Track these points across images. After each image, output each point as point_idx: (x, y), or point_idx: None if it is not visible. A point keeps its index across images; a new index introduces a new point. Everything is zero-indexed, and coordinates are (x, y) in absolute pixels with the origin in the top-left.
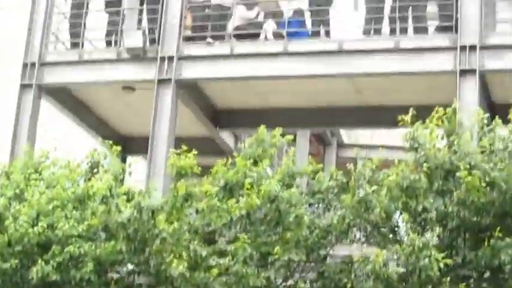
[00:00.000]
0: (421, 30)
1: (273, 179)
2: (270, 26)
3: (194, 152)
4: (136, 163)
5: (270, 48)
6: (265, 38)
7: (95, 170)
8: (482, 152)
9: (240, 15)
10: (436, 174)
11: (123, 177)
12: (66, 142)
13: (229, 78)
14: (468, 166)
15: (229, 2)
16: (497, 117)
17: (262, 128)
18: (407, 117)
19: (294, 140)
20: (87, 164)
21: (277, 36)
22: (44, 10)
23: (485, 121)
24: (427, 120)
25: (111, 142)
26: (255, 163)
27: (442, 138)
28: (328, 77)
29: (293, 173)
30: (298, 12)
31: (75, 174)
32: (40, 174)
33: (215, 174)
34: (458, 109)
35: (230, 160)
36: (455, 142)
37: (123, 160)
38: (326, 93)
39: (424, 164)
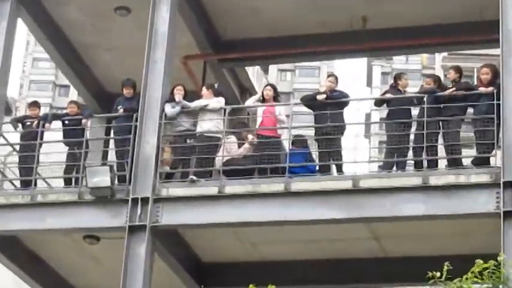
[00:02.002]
0: (454, 163)
1: None
2: None
3: None
4: None
5: (268, 188)
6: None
7: None
8: None
9: (231, 146)
10: None
11: None
12: None
13: (218, 224)
14: None
15: (217, 129)
16: None
17: None
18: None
19: None
20: None
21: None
22: None
23: None
24: (464, 276)
25: None
26: None
27: None
28: (340, 222)
29: None
30: (300, 142)
31: None
32: None
33: None
34: (504, 261)
35: None
36: None
37: None
38: (337, 243)
39: None
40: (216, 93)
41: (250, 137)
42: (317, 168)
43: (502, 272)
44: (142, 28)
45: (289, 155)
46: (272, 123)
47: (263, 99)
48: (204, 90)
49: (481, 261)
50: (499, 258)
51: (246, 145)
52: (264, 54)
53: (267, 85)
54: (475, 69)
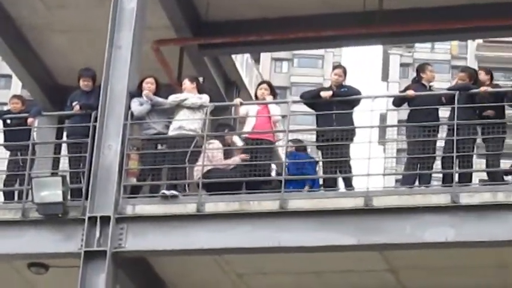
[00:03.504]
0: (492, 177)
1: None
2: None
3: None
4: None
5: (259, 206)
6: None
7: None
8: None
9: (214, 154)
10: None
11: None
12: None
13: (196, 251)
14: None
15: (196, 130)
16: None
17: None
18: None
19: None
20: None
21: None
22: None
23: None
24: None
25: None
26: None
27: None
28: (348, 249)
29: None
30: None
31: None
32: None
33: None
34: None
35: None
36: None
37: None
38: (345, 275)
39: None
40: (201, 90)
41: (238, 141)
42: (320, 182)
43: None
44: (103, 4)
45: (289, 164)
46: (268, 126)
47: (256, 99)
48: (187, 83)
49: None
50: None
51: (237, 158)
52: (254, 39)
53: (261, 83)
54: None
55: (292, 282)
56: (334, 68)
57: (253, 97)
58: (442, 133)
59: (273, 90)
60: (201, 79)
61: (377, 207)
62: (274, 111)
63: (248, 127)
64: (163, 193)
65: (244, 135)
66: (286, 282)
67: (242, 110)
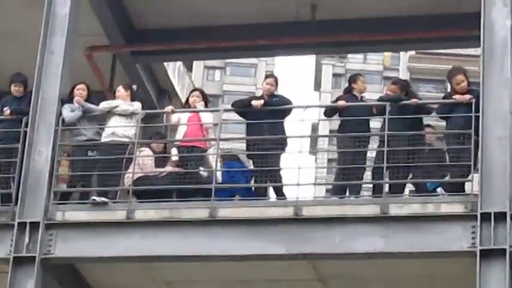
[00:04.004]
0: (421, 189)
1: None
2: None
3: None
4: None
5: (189, 214)
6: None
7: None
8: None
9: (145, 161)
10: None
11: None
12: None
13: (125, 258)
14: None
15: (130, 136)
16: None
17: None
18: None
19: None
20: None
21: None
22: None
23: None
24: None
25: None
26: None
27: None
28: (278, 259)
29: None
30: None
31: None
32: None
33: None
34: None
35: None
36: None
37: None
38: (274, 284)
39: None
40: (134, 98)
41: (174, 151)
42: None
43: None
44: (36, 9)
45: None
46: (200, 133)
47: (188, 107)
48: (121, 90)
49: None
50: None
51: (169, 167)
52: (187, 47)
53: (193, 90)
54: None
55: None
56: (266, 77)
57: (184, 104)
58: (375, 144)
59: (205, 98)
60: (134, 87)
61: (306, 216)
62: (206, 119)
63: (179, 135)
64: (94, 199)
65: (176, 143)
66: None
67: (174, 118)
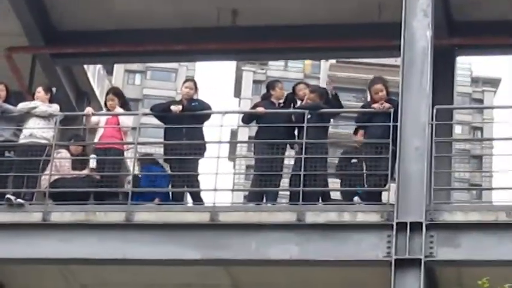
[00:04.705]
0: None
1: None
2: None
3: None
4: None
5: (105, 217)
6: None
7: None
8: None
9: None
10: None
11: None
12: None
13: (40, 260)
14: None
15: (48, 138)
16: None
17: None
18: None
19: None
20: None
21: None
22: None
23: None
24: None
25: None
26: None
27: None
28: (193, 264)
29: None
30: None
31: None
32: None
33: None
34: None
35: None
36: None
37: None
38: None
39: None
40: (53, 100)
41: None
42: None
43: None
44: None
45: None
46: (117, 136)
47: (106, 110)
48: (41, 92)
49: None
50: None
51: (86, 170)
52: (107, 50)
53: (108, 92)
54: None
55: None
56: (185, 81)
57: (103, 106)
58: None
59: (121, 98)
60: (54, 89)
61: (223, 222)
62: (125, 121)
63: (97, 137)
64: (9, 198)
65: (93, 145)
66: None
67: (94, 120)
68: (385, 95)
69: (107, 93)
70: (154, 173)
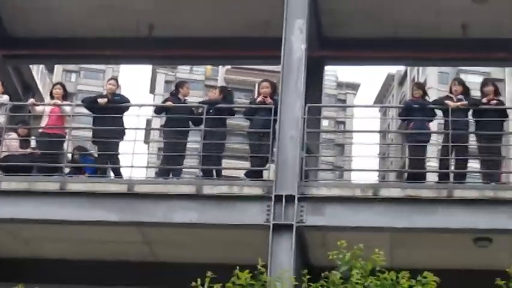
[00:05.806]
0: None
1: None
2: None
3: None
4: None
5: (44, 186)
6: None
7: None
8: None
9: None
10: None
11: None
12: None
13: None
14: None
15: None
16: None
17: None
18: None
19: None
20: None
21: None
22: None
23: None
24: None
25: None
26: None
27: None
28: (113, 225)
29: None
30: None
31: None
32: None
33: None
34: (270, 270)
35: None
36: None
37: None
38: (110, 245)
39: None
40: (4, 92)
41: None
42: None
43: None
44: None
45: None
46: (60, 122)
47: (51, 98)
48: None
49: (247, 273)
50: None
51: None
52: (49, 53)
53: (56, 84)
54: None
55: (69, 248)
56: (110, 79)
57: (49, 95)
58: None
59: (65, 90)
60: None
61: (138, 192)
62: (66, 109)
63: (43, 123)
64: None
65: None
66: (64, 248)
67: (39, 109)
68: (270, 92)
69: (55, 84)
70: (86, 152)
